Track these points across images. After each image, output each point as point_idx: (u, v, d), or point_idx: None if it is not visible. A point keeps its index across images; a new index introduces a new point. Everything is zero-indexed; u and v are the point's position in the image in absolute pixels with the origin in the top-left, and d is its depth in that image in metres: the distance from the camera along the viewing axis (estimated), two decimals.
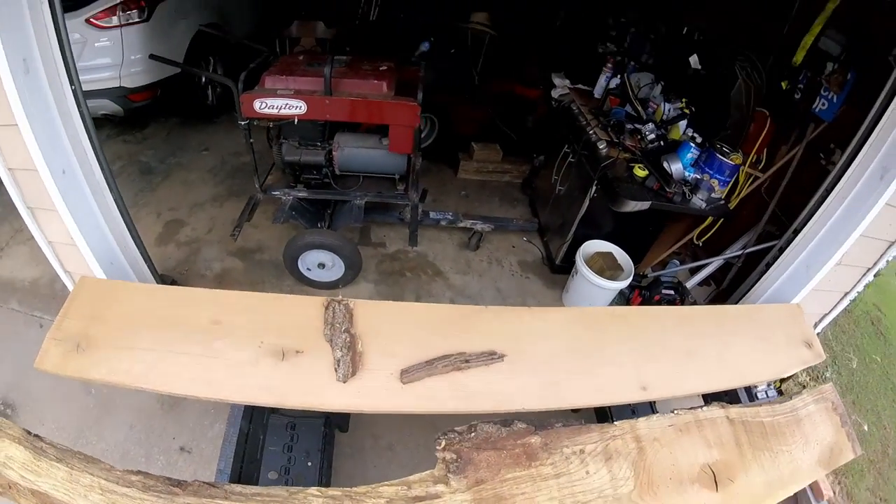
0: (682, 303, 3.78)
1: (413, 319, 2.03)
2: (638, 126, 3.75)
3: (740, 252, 3.81)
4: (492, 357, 1.89)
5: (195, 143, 5.56)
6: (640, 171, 3.45)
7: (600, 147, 3.60)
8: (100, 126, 5.38)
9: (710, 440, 2.05)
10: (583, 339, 2.10)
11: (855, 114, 2.85)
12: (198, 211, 4.59)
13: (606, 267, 3.58)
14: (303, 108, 3.09)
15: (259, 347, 1.95)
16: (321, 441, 2.43)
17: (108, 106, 4.81)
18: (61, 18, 2.18)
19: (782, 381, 4.13)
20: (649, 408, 2.65)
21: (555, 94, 4.43)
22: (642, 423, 1.91)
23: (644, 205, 3.32)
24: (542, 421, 1.74)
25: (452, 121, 5.10)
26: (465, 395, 1.81)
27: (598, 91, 4.32)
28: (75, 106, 2.43)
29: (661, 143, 3.63)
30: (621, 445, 1.82)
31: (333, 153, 3.47)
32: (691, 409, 2.11)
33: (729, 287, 3.96)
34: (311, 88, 3.14)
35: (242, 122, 3.23)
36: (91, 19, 4.39)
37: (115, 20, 4.47)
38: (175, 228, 4.40)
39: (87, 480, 1.54)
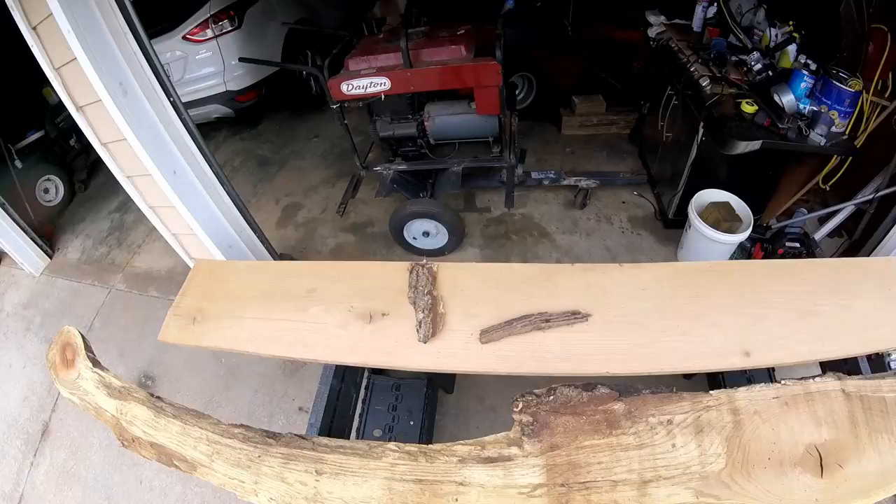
0: (809, 256, 3.36)
1: (495, 280, 1.97)
2: (742, 57, 3.36)
3: (871, 196, 3.30)
4: (575, 316, 1.78)
5: (305, 132, 5.91)
6: (748, 107, 3.09)
7: (703, 84, 3.29)
8: (218, 128, 5.98)
9: (820, 417, 1.75)
10: (678, 298, 1.91)
11: None
12: (312, 194, 4.88)
13: (723, 219, 3.27)
14: (387, 83, 3.16)
15: (349, 311, 2.01)
16: (423, 401, 2.54)
17: (219, 109, 5.31)
18: (147, 42, 2.43)
19: None
20: (767, 376, 2.40)
21: (651, 32, 4.08)
22: (742, 394, 1.69)
23: (755, 145, 2.97)
24: (628, 386, 1.63)
25: (550, 76, 4.91)
26: (544, 355, 1.73)
27: (696, 24, 3.92)
28: (176, 115, 2.69)
29: (770, 73, 3.21)
30: (715, 418, 1.63)
31: (425, 123, 3.50)
32: (801, 379, 1.86)
33: (862, 237, 3.45)
34: (393, 64, 3.20)
35: (334, 106, 3.38)
36: (187, 36, 4.86)
37: (209, 32, 4.90)
38: (292, 212, 4.71)
39: (196, 433, 1.70)
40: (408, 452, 1.53)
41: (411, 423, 2.49)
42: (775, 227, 3.61)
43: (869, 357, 2.53)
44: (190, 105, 4.74)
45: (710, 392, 1.69)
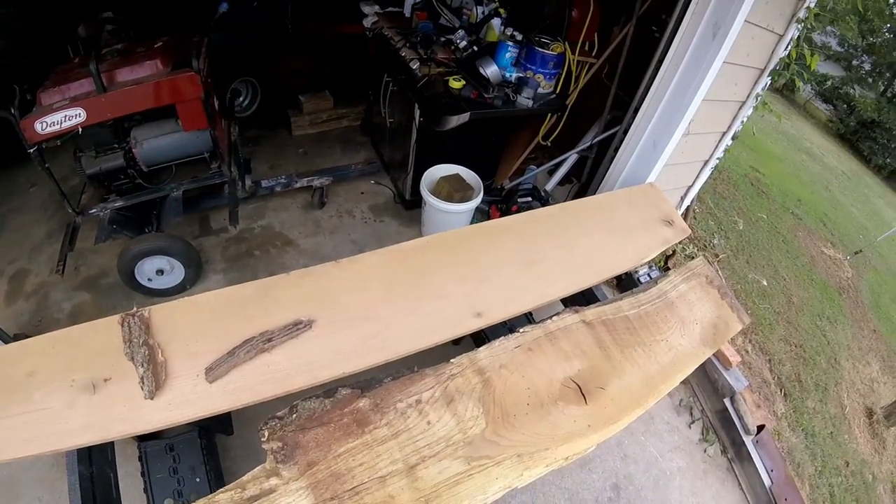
0: (544, 206, 3.72)
1: (211, 310, 1.84)
2: (449, 37, 3.60)
3: (590, 143, 3.74)
4: (297, 327, 1.74)
5: (22, 181, 5.09)
6: (454, 84, 3.32)
7: (413, 67, 3.45)
8: None
9: (567, 351, 1.95)
10: (404, 279, 1.97)
11: None
12: (37, 254, 4.22)
13: (454, 190, 3.48)
14: (82, 114, 2.83)
15: (72, 387, 1.77)
16: (202, 454, 2.36)
17: None
18: None
19: (666, 260, 4.18)
20: (525, 321, 2.55)
21: (367, 23, 4.19)
22: (483, 353, 1.79)
23: (464, 117, 3.19)
24: (370, 380, 1.62)
25: (276, 78, 4.79)
26: (277, 375, 1.66)
27: (406, 9, 4.13)
28: None
29: (475, 48, 3.49)
30: (462, 384, 1.70)
31: (133, 151, 3.19)
32: (539, 322, 2.01)
33: (587, 181, 3.92)
34: (86, 90, 2.86)
35: (31, 150, 2.95)
36: None
37: None
38: (20, 280, 4.04)
39: None
40: None
41: (197, 479, 2.30)
42: (508, 186, 3.93)
43: (619, 281, 2.85)
44: None
45: (451, 361, 1.74)
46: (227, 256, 3.86)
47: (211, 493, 2.18)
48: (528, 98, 3.32)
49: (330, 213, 4.12)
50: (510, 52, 3.39)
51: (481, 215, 3.73)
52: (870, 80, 21.36)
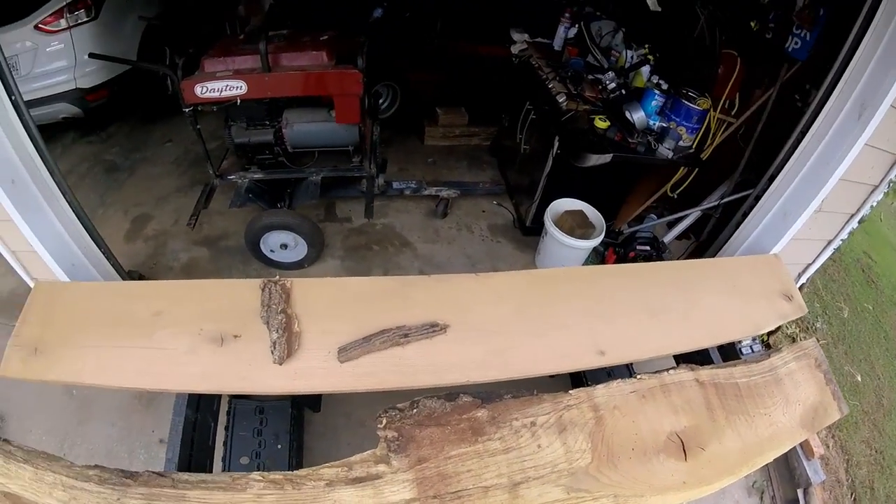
0: (659, 258, 3.66)
1: (352, 295, 1.93)
2: (598, 76, 3.61)
3: (717, 203, 3.66)
4: (433, 328, 1.79)
5: (158, 136, 5.50)
6: (600, 123, 3.32)
7: (560, 101, 3.48)
8: (63, 130, 5.41)
9: (677, 406, 1.93)
10: (533, 304, 1.99)
11: (829, 51, 2.67)
12: (163, 204, 4.54)
13: (577, 225, 3.47)
14: (243, 87, 3.00)
15: (199, 335, 1.89)
16: (289, 423, 2.41)
17: (68, 109, 4.80)
18: None
19: (769, 335, 4.01)
20: (627, 372, 2.52)
21: (514, 49, 4.26)
22: (600, 391, 1.80)
23: (605, 158, 3.19)
24: (490, 392, 1.65)
25: (415, 87, 4.95)
26: (405, 370, 1.72)
27: (557, 43, 4.17)
28: (16, 116, 2.38)
29: (623, 91, 3.49)
30: (577, 416, 1.71)
31: (283, 131, 3.37)
32: (656, 372, 1.99)
33: (707, 240, 3.81)
34: (250, 66, 3.04)
35: (186, 110, 3.15)
36: (40, 25, 4.38)
37: (63, 23, 4.44)
38: (142, 224, 4.35)
39: (50, 478, 1.54)
40: (273, 481, 1.47)
41: (279, 446, 2.35)
42: (627, 232, 3.90)
43: (720, 347, 2.80)
44: (36, 103, 4.34)
45: (570, 392, 1.76)
46: (347, 245, 4.00)
47: (289, 461, 2.30)
48: (669, 149, 3.30)
49: (450, 224, 4.20)
50: (656, 101, 3.38)
51: (596, 256, 3.72)
52: None
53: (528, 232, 4.06)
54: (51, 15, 4.37)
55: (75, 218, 2.82)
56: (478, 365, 1.76)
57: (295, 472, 1.50)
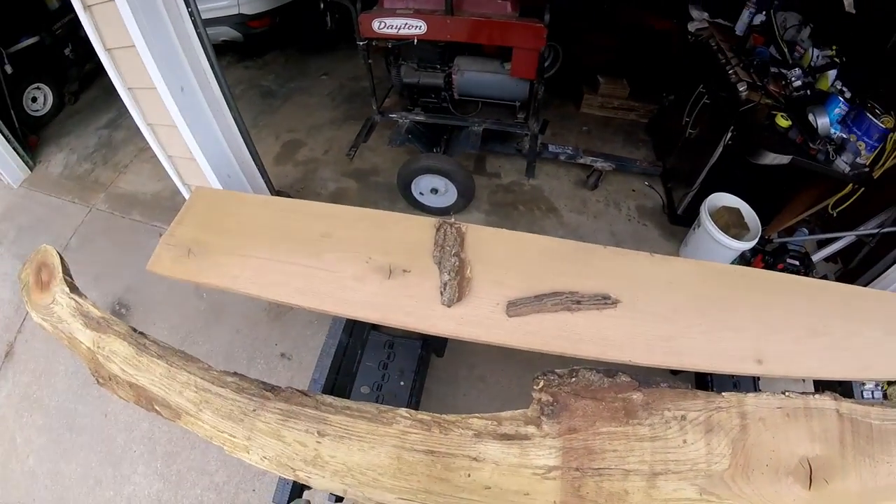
0: (807, 275, 3.39)
1: (526, 250, 1.92)
2: (783, 70, 3.32)
3: (875, 231, 3.36)
4: (605, 301, 1.75)
5: (314, 68, 5.68)
6: (782, 121, 3.07)
7: (740, 89, 3.24)
8: (221, 53, 5.60)
9: (815, 432, 1.78)
10: (704, 296, 1.90)
11: None
12: (315, 133, 4.71)
13: (732, 224, 3.27)
14: (423, 27, 3.00)
15: (367, 263, 1.93)
16: (416, 362, 2.46)
17: (228, 32, 5.05)
18: None
19: (890, 383, 3.70)
20: (751, 384, 2.45)
21: (691, 27, 3.98)
22: (751, 400, 1.70)
23: (784, 159, 2.97)
24: (647, 377, 1.61)
25: (578, 51, 4.73)
26: (571, 336, 1.69)
27: (739, 28, 3.84)
28: (192, 27, 2.52)
29: (808, 92, 3.19)
30: (725, 419, 1.64)
31: (453, 76, 3.37)
32: (803, 394, 1.89)
33: (857, 268, 3.54)
34: (432, 7, 3.02)
35: (361, 43, 3.19)
36: None
37: None
38: (293, 149, 4.55)
39: (183, 377, 1.59)
40: (420, 421, 1.48)
41: (401, 383, 2.41)
42: (776, 241, 3.65)
43: (840, 383, 2.63)
44: None
45: (723, 394, 1.69)
46: (493, 201, 4.02)
47: (409, 399, 2.35)
48: (847, 163, 3.02)
49: (598, 197, 4.11)
50: (840, 109, 3.10)
51: (742, 260, 3.50)
52: None
53: (677, 220, 3.89)
54: None
55: (237, 132, 2.95)
56: (642, 347, 1.71)
57: (444, 416, 1.50)
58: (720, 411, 1.67)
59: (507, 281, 1.80)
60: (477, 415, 1.52)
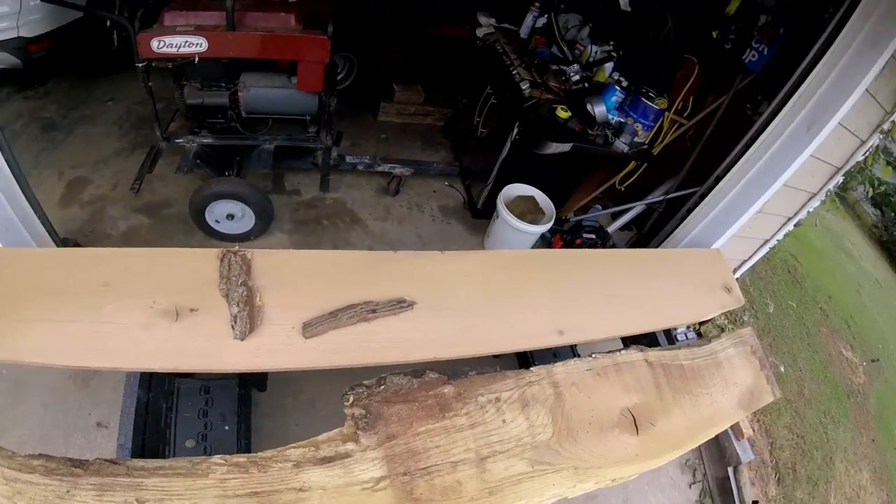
0: (604, 247, 3.78)
1: (317, 268, 1.89)
2: (563, 67, 3.67)
3: (662, 198, 3.82)
4: (401, 304, 1.79)
5: (100, 93, 5.17)
6: (562, 113, 3.40)
7: (523, 87, 3.51)
8: (1, 84, 4.97)
9: (629, 384, 2.04)
10: (498, 283, 2.04)
11: (784, 67, 2.85)
12: (102, 167, 4.28)
13: (527, 211, 3.53)
14: (203, 44, 2.84)
15: (152, 308, 1.77)
16: (236, 403, 2.31)
17: (6, 59, 4.41)
18: None
19: (701, 323, 4.23)
20: (570, 352, 2.61)
21: (479, 32, 4.24)
22: (559, 368, 1.87)
23: (565, 147, 3.27)
24: (455, 370, 1.67)
25: (373, 61, 4.82)
26: (372, 346, 1.71)
27: (524, 31, 4.18)
28: None
29: (586, 84, 3.58)
30: (538, 392, 1.77)
31: (239, 94, 3.21)
32: (609, 352, 2.09)
33: (650, 232, 3.99)
34: (213, 23, 2.87)
35: (140, 65, 2.95)
36: None
37: None
38: (79, 187, 4.09)
39: None
40: (236, 464, 1.41)
41: (226, 428, 2.25)
42: (573, 220, 4.01)
43: (666, 332, 2.97)
44: None
45: (531, 369, 1.82)
46: (295, 219, 3.89)
47: (238, 443, 2.23)
48: (625, 143, 3.42)
49: (401, 202, 4.16)
50: (617, 97, 3.49)
51: (543, 242, 3.79)
52: None
53: (479, 215, 4.10)
54: None
55: (11, 177, 2.62)
56: (444, 342, 1.78)
57: (259, 454, 1.45)
58: (532, 386, 1.79)
59: (300, 302, 1.76)
60: (293, 444, 1.48)
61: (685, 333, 3.19)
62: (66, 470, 1.38)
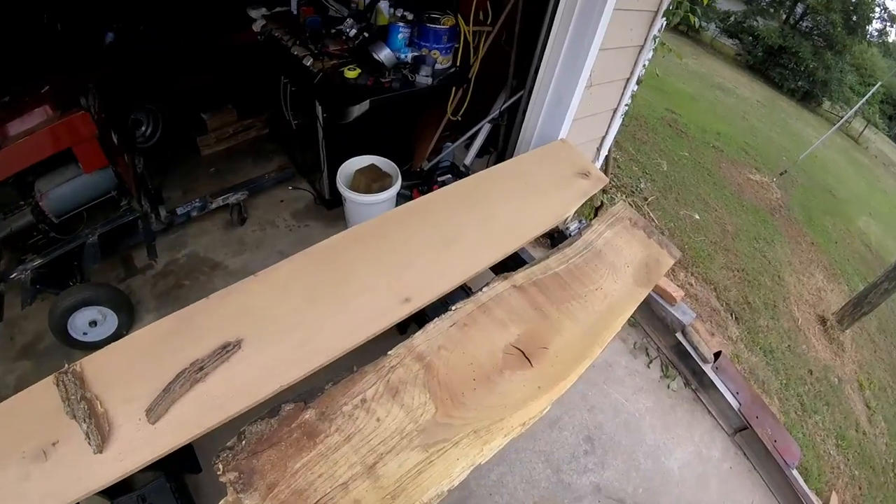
0: None
1: (138, 350, 1.75)
2: (339, 27, 3.52)
3: (499, 111, 3.76)
4: (226, 349, 1.68)
5: None
6: (350, 73, 3.26)
7: (307, 63, 3.36)
8: None
9: (503, 319, 1.97)
10: (322, 281, 1.93)
11: None
12: None
13: (372, 181, 3.38)
14: None
15: (23, 458, 1.66)
16: (173, 498, 2.16)
17: None
18: None
19: (596, 211, 4.27)
20: (464, 294, 2.52)
21: (256, 27, 4.02)
22: (419, 339, 1.80)
23: (364, 105, 3.14)
24: (312, 389, 1.59)
25: (178, 100, 4.54)
26: (213, 404, 1.60)
27: (293, 7, 3.98)
28: None
29: (366, 34, 3.41)
30: (404, 374, 1.70)
31: (40, 205, 3.00)
32: (469, 295, 2.02)
33: (503, 148, 3.94)
34: None
35: None
36: None
37: None
38: None
39: None
40: None
41: None
42: (427, 167, 3.92)
43: (553, 241, 2.88)
44: None
45: (388, 353, 1.74)
46: (157, 293, 3.67)
47: None
48: (427, 76, 3.30)
49: (252, 227, 3.97)
50: (402, 33, 3.37)
51: (404, 201, 3.65)
52: (771, 10, 22.59)
53: (332, 205, 3.97)
54: None
55: None
56: (285, 367, 1.67)
57: None
58: (395, 370, 1.71)
59: (136, 392, 1.65)
60: None
61: (578, 229, 3.17)
62: None
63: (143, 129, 4.40)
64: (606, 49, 3.01)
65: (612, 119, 3.82)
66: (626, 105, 3.81)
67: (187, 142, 4.68)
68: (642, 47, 3.39)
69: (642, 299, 2.36)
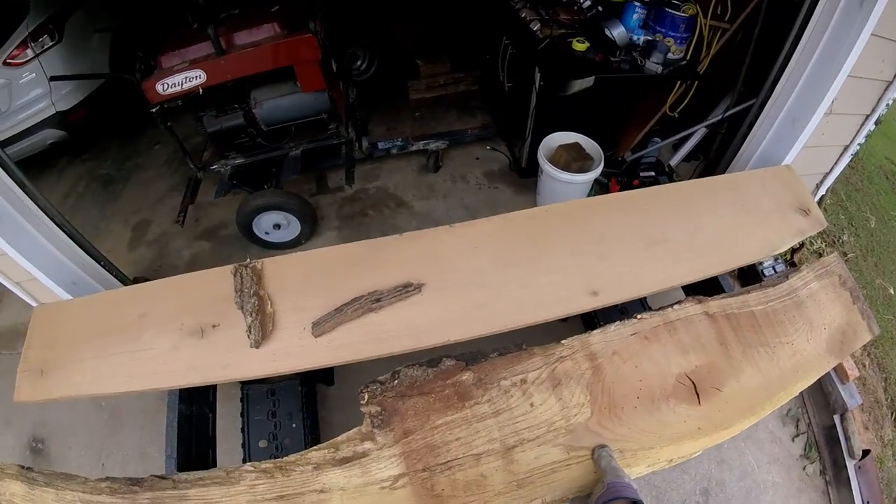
0: (668, 182, 3.45)
1: (322, 266, 1.84)
2: None
3: (721, 117, 3.42)
4: (407, 289, 1.69)
5: (146, 141, 5.48)
6: (578, 45, 3.12)
7: (534, 28, 3.28)
8: (58, 155, 5.37)
9: (685, 344, 1.79)
10: (515, 249, 1.86)
11: None
12: (160, 206, 4.53)
13: (573, 159, 3.26)
14: (202, 76, 2.93)
15: (180, 330, 1.87)
16: (300, 401, 2.40)
17: (53, 134, 4.84)
18: None
19: (792, 253, 3.80)
20: (639, 306, 2.32)
21: None
22: (596, 337, 1.67)
23: (588, 81, 3.00)
24: (475, 352, 1.56)
25: (394, 42, 4.75)
26: (381, 336, 1.63)
27: None
28: None
29: (600, 8, 3.24)
30: (571, 367, 1.60)
31: (253, 111, 3.27)
32: (659, 309, 1.84)
33: (716, 158, 3.55)
34: (205, 53, 2.94)
35: (153, 110, 3.11)
36: (7, 60, 4.43)
37: (29, 52, 4.47)
38: (143, 229, 4.35)
39: (69, 497, 1.59)
40: (264, 471, 1.46)
41: (293, 425, 2.35)
42: (630, 159, 3.69)
43: (741, 272, 2.61)
44: (22, 136, 4.52)
45: (562, 342, 1.64)
46: (342, 215, 3.91)
47: (304, 439, 2.26)
48: (658, 63, 3.09)
49: (444, 177, 4.07)
50: (638, 14, 3.16)
51: (600, 187, 3.56)
52: None
53: (526, 174, 3.90)
54: (16, 48, 4.41)
55: (68, 238, 2.81)
56: (458, 323, 1.66)
57: (284, 458, 1.47)
58: (563, 361, 1.62)
59: (308, 303, 1.73)
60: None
61: (773, 267, 2.82)
62: (126, 489, 1.53)
63: (360, 63, 4.66)
64: (854, 77, 2.65)
65: (840, 156, 3.36)
66: (859, 144, 3.34)
67: (398, 85, 4.87)
68: (890, 84, 2.95)
69: (828, 370, 2.07)
